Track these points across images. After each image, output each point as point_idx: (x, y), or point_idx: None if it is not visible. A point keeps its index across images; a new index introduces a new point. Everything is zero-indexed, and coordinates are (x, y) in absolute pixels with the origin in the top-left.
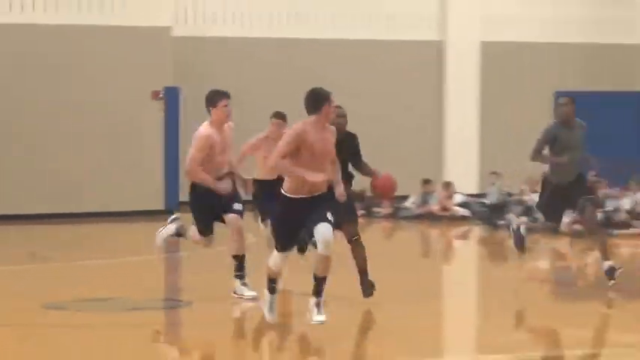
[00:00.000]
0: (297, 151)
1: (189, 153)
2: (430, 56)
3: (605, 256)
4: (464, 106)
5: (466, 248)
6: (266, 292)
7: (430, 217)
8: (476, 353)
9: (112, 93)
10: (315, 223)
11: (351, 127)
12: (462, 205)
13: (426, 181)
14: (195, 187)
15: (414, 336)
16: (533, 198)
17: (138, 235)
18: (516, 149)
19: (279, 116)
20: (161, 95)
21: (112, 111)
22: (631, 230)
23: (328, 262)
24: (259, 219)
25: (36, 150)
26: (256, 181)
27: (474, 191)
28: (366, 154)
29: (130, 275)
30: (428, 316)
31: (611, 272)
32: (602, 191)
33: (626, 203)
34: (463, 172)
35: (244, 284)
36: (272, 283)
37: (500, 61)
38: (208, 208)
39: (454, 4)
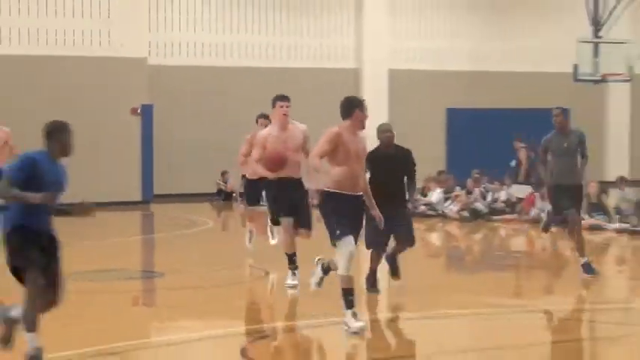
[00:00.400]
0: (335, 151)
1: None
2: (349, 81)
3: (582, 253)
4: (377, 120)
5: None
6: (345, 310)
7: None
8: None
9: (100, 108)
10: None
11: None
12: None
13: None
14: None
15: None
16: (433, 194)
17: (121, 220)
18: (418, 154)
19: (266, 117)
20: (139, 111)
21: (101, 122)
22: (506, 217)
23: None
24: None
25: None
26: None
27: None
28: None
29: (118, 252)
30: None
31: (586, 268)
32: (484, 185)
33: (502, 195)
34: None
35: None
36: (349, 296)
37: (404, 84)
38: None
39: (368, 39)
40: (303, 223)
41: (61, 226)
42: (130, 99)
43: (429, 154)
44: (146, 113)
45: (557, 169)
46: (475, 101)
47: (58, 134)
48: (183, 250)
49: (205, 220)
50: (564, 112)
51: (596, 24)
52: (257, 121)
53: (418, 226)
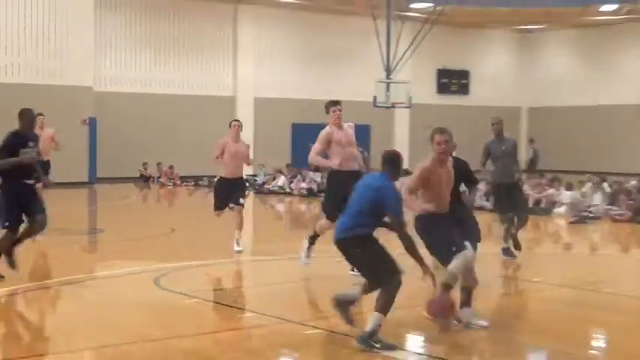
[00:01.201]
0: (425, 184)
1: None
2: (228, 104)
3: (507, 238)
4: (247, 132)
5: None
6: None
7: None
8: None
9: (60, 119)
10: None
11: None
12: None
13: None
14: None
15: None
16: (279, 179)
17: (73, 194)
18: (270, 153)
19: (237, 120)
20: (87, 121)
21: (61, 128)
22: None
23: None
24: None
25: None
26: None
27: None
28: None
29: (71, 214)
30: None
31: (505, 252)
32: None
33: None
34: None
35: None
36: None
37: (264, 107)
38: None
39: (241, 76)
40: None
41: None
42: (81, 113)
43: (280, 150)
44: (92, 123)
45: (496, 170)
46: (309, 119)
47: (398, 161)
48: (117, 215)
49: (132, 195)
50: (501, 121)
51: (388, 70)
52: (230, 125)
53: (270, 201)
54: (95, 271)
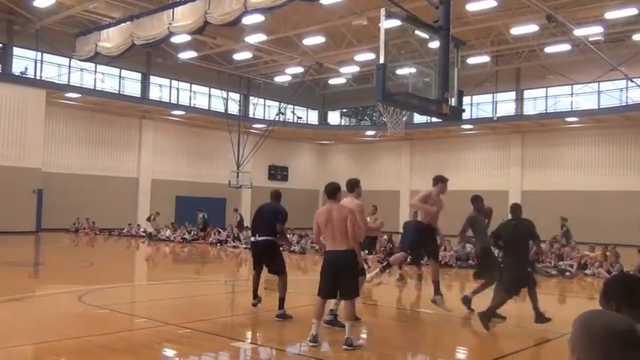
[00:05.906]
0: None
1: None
2: (133, 185)
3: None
4: (145, 205)
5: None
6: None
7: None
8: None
9: (17, 189)
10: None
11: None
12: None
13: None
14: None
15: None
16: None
17: (23, 239)
18: (160, 215)
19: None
20: (35, 191)
21: (17, 196)
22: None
23: None
24: None
25: None
26: None
27: None
28: None
29: (22, 252)
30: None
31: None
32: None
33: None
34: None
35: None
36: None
37: (160, 185)
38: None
39: (143, 163)
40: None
41: None
42: (32, 186)
43: (168, 213)
44: (39, 192)
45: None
46: (189, 193)
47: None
48: (54, 253)
49: (65, 240)
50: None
51: (238, 164)
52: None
53: (159, 245)
54: (35, 291)
